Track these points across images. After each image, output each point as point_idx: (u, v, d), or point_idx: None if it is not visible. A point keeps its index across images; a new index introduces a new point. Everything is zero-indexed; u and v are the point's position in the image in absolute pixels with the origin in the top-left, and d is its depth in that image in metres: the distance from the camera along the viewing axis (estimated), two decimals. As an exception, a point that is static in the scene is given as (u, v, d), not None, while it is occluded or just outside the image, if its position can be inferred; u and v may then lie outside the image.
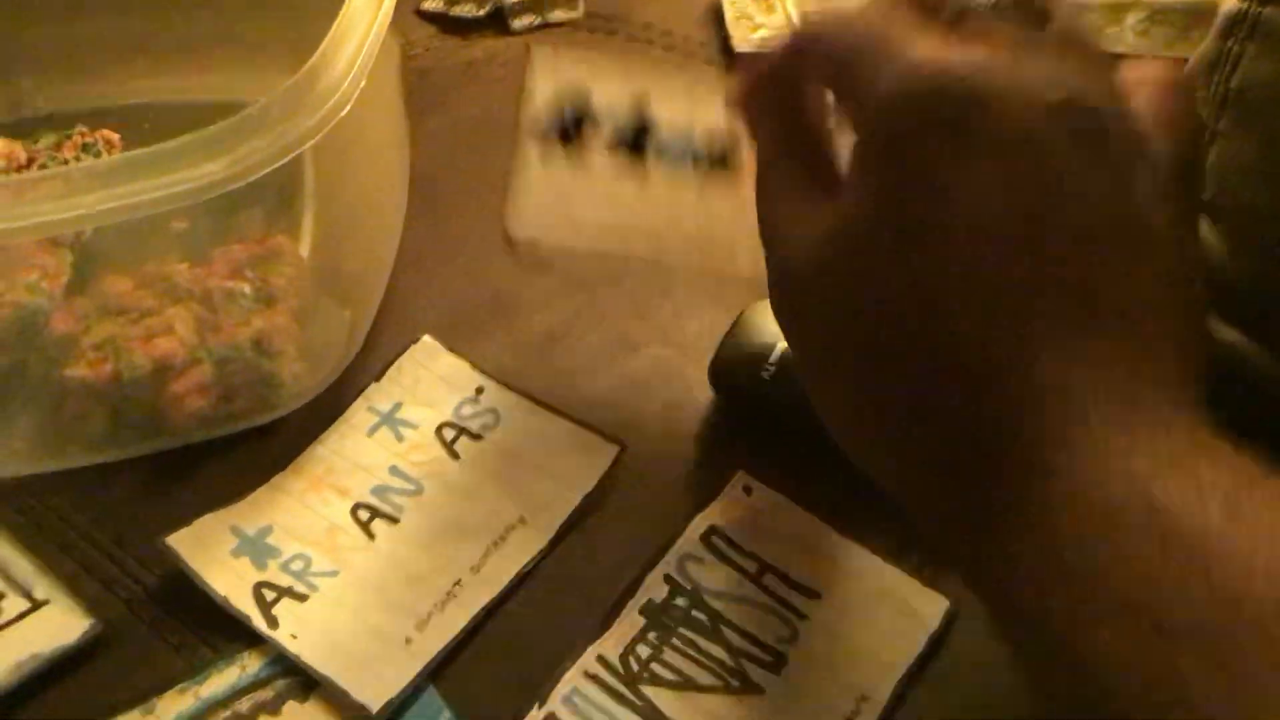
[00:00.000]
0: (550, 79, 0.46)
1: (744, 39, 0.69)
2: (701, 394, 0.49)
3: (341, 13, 0.42)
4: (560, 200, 0.48)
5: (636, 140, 0.46)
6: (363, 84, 0.42)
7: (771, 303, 0.37)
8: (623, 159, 0.46)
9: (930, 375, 0.32)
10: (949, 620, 0.42)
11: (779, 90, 0.39)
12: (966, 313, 0.31)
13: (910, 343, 0.32)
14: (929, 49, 0.33)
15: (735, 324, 0.49)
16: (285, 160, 0.39)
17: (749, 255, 0.47)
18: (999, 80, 0.32)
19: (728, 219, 0.47)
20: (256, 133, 0.39)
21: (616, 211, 0.48)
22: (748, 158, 0.45)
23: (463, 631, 0.42)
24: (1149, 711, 0.27)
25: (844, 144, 0.38)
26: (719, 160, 0.46)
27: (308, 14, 0.63)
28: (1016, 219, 0.31)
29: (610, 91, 0.46)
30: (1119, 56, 0.36)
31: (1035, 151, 0.31)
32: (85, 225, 0.38)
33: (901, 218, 0.32)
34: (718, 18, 0.70)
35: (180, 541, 0.43)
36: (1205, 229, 0.45)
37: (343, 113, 0.40)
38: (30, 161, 0.52)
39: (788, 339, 0.38)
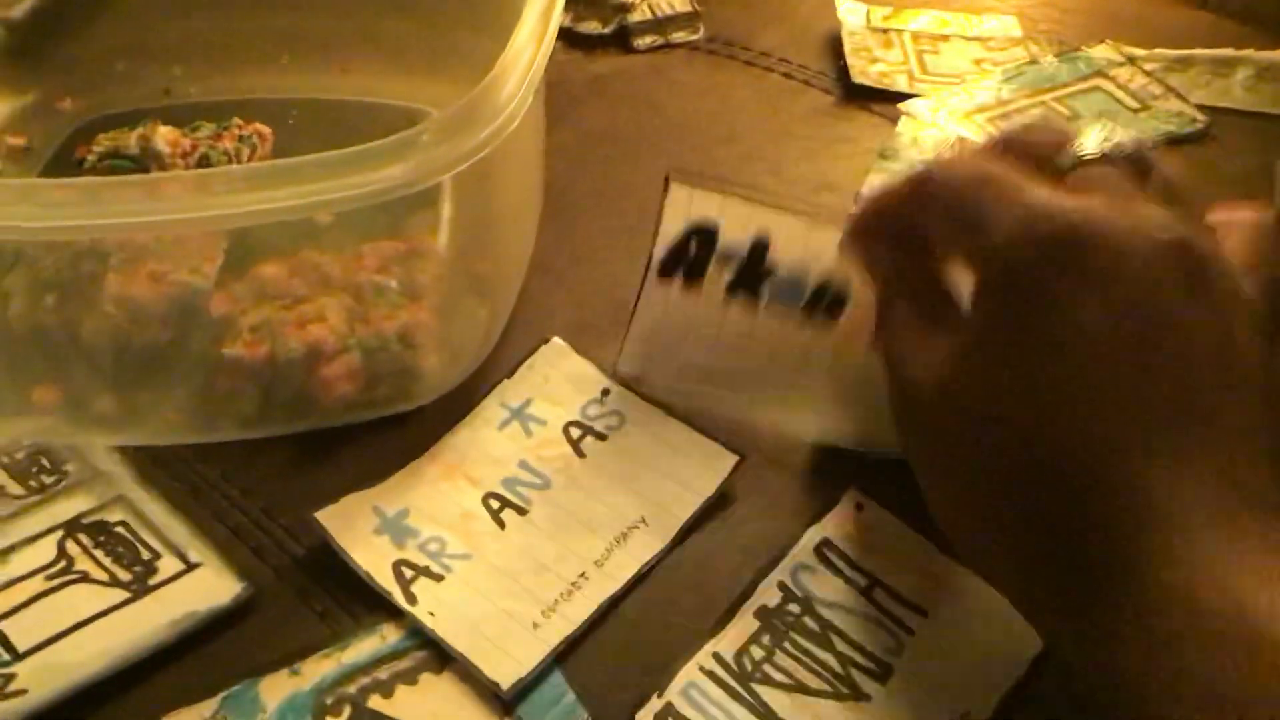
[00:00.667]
0: (683, 213, 0.49)
1: (862, 71, 0.71)
2: (817, 411, 0.52)
3: (518, 27, 0.45)
4: (671, 344, 0.51)
5: (754, 280, 0.49)
6: (530, 100, 0.44)
7: (897, 423, 0.42)
8: (739, 299, 0.49)
9: (1042, 484, 0.36)
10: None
11: (899, 227, 0.43)
12: (1078, 426, 0.35)
13: (1024, 453, 0.36)
14: (1046, 195, 0.37)
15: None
16: (460, 169, 0.42)
17: (823, 410, 0.50)
18: (1116, 221, 0.36)
19: (818, 376, 0.50)
20: (437, 142, 0.41)
21: (721, 357, 0.51)
22: (859, 303, 0.48)
23: (586, 621, 0.44)
24: None
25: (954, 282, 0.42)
26: (830, 306, 0.49)
27: (444, 19, 0.67)
28: (1128, 343, 0.35)
29: (735, 229, 0.49)
30: (1208, 203, 0.40)
31: (1147, 283, 0.35)
32: (278, 218, 0.41)
33: (1022, 341, 0.36)
34: (837, 48, 0.73)
35: (326, 517, 0.46)
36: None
37: (514, 125, 0.43)
38: (193, 149, 0.55)
39: (908, 455, 0.42)
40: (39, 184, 0.42)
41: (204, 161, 0.56)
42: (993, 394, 0.37)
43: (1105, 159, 0.39)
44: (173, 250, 0.50)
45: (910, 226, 0.42)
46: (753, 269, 0.49)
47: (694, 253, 0.49)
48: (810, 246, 0.48)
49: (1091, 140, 0.39)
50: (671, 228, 0.49)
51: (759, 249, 0.49)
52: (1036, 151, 0.40)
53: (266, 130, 0.59)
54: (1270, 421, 0.36)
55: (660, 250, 0.49)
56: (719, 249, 0.49)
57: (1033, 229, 0.36)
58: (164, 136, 0.55)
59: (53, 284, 0.50)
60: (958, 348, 0.39)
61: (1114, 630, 0.34)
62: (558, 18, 0.48)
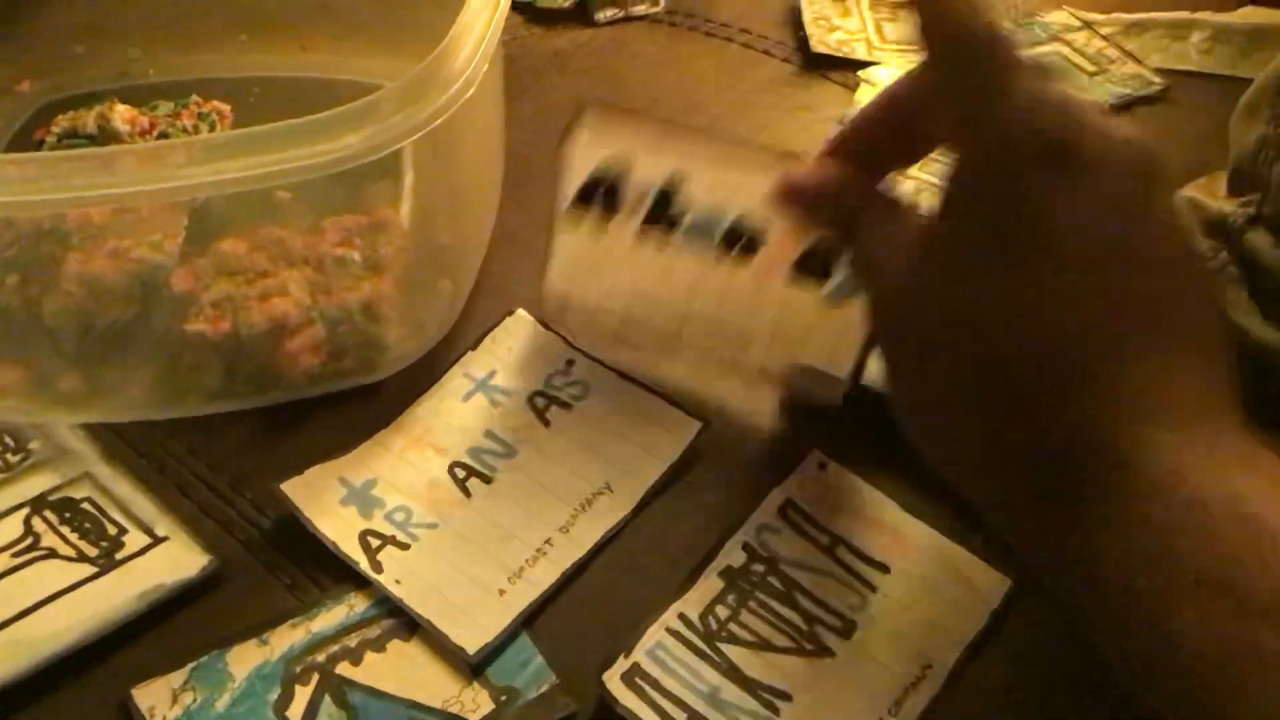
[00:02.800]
0: (596, 146, 0.49)
1: (821, 40, 0.71)
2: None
3: (468, -1, 0.45)
4: (592, 264, 0.51)
5: (668, 217, 0.49)
6: (485, 68, 0.44)
7: (873, 324, 0.42)
8: (653, 234, 0.49)
9: (1023, 380, 0.36)
10: (1010, 597, 0.45)
11: (897, 112, 0.43)
12: (1064, 321, 0.36)
13: (1006, 351, 0.36)
14: (1039, 85, 0.37)
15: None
16: (416, 137, 0.42)
17: (761, 347, 0.50)
18: (1100, 122, 0.37)
19: (744, 308, 0.50)
20: (392, 111, 0.42)
21: (643, 279, 0.51)
22: (774, 247, 0.48)
23: (552, 587, 0.45)
24: (1229, 680, 0.30)
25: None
26: (745, 246, 0.49)
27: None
28: (1115, 239, 0.36)
29: (650, 164, 0.49)
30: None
31: (1129, 185, 0.36)
32: (236, 189, 0.41)
33: (1006, 236, 0.36)
34: (796, 18, 0.73)
35: (292, 489, 0.46)
36: (1261, 239, 0.48)
37: (468, 94, 0.43)
38: (152, 127, 0.55)
39: (885, 354, 0.41)
40: None
41: (163, 139, 0.55)
42: (973, 282, 0.37)
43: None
44: (133, 227, 0.50)
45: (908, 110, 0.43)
46: (666, 205, 0.49)
47: (605, 189, 0.49)
48: (725, 184, 0.48)
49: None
50: (583, 163, 0.49)
51: (671, 187, 0.48)
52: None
53: (225, 108, 0.59)
54: (1222, 320, 0.38)
55: (572, 185, 0.49)
56: (631, 186, 0.49)
57: (1032, 118, 0.36)
58: (122, 115, 0.55)
59: (13, 264, 0.50)
60: (937, 237, 0.39)
61: (1104, 526, 0.34)
62: (510, -14, 0.48)
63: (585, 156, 0.49)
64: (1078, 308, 0.35)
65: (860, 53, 0.71)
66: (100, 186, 0.42)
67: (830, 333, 0.48)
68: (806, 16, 0.73)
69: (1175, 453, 0.33)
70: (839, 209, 0.43)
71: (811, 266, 0.48)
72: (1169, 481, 0.33)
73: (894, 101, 0.43)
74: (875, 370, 0.48)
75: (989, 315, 0.36)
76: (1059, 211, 0.36)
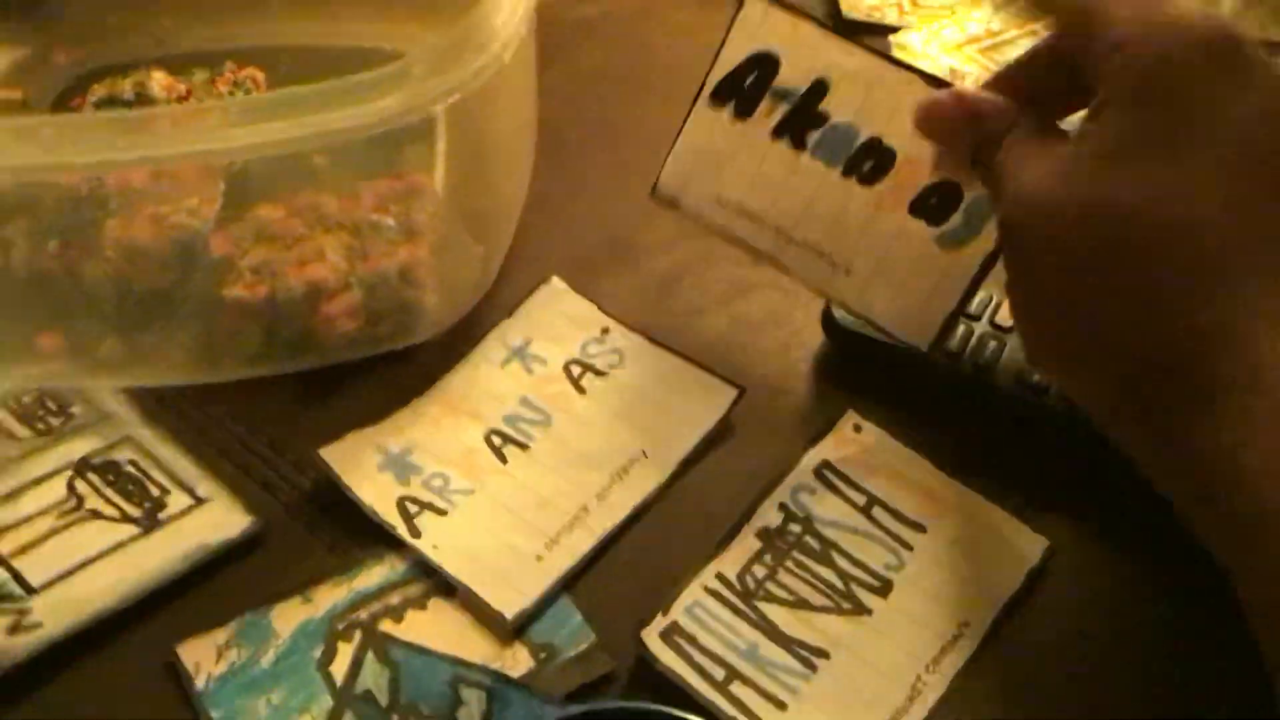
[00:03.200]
0: (750, 35, 0.48)
1: (853, 5, 0.71)
2: (813, 336, 0.52)
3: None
4: (717, 155, 0.50)
5: (804, 125, 0.48)
6: (523, 32, 0.44)
7: (1003, 240, 0.41)
8: (784, 146, 0.49)
9: (1161, 278, 0.36)
10: (1047, 558, 0.45)
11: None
12: (1213, 220, 0.35)
13: (1149, 241, 0.36)
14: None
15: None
16: (453, 100, 0.42)
17: (862, 276, 0.49)
18: (1247, 31, 0.37)
19: (856, 230, 0.48)
20: (428, 73, 0.42)
21: (766, 179, 0.50)
22: (900, 175, 0.47)
23: (589, 553, 0.45)
24: None
25: None
26: (874, 169, 0.48)
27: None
28: (1270, 146, 0.36)
29: (802, 64, 0.48)
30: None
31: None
32: (275, 151, 0.41)
33: (1172, 128, 0.36)
34: (828, -16, 0.73)
35: (331, 454, 0.47)
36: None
37: (507, 56, 0.43)
38: (189, 94, 0.55)
39: (1012, 264, 0.40)
40: (34, 123, 0.42)
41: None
42: (1127, 172, 0.36)
43: None
44: (171, 193, 0.51)
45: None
46: (805, 112, 0.48)
47: (749, 84, 0.48)
48: (871, 98, 0.47)
49: None
50: (734, 52, 0.48)
51: (816, 92, 0.48)
52: None
53: (259, 75, 0.59)
54: None
55: (718, 73, 0.49)
56: (776, 85, 0.48)
57: (1190, 28, 0.36)
58: (159, 81, 0.55)
59: (53, 230, 0.50)
60: (1089, 134, 0.38)
61: (1230, 430, 0.34)
62: (545, -50, 0.48)
63: (744, 39, 0.48)
64: (1233, 206, 0.35)
65: (892, 17, 0.71)
66: (137, 148, 0.42)
67: (934, 276, 0.47)
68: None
69: None
70: (985, 136, 0.42)
71: (932, 205, 0.47)
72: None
73: (1056, 45, 0.42)
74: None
75: (1140, 206, 0.36)
76: (1231, 108, 0.36)
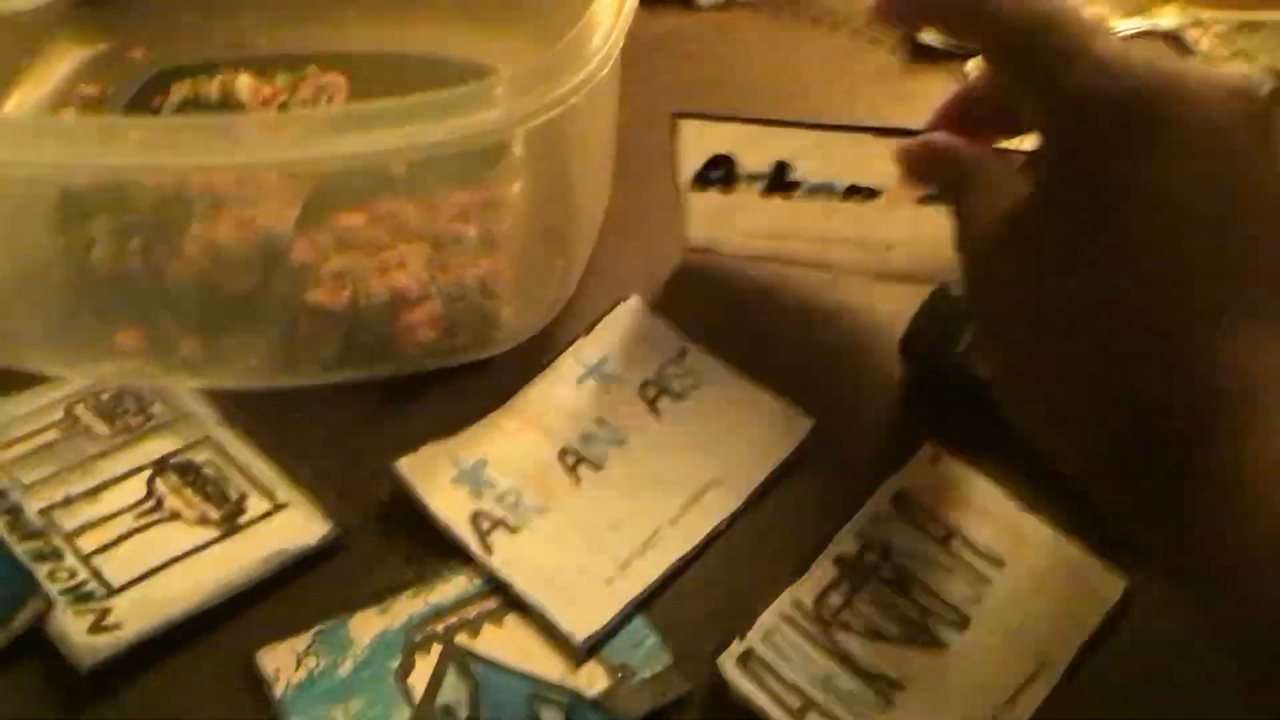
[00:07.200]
0: (697, 148, 0.51)
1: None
2: (890, 365, 0.52)
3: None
4: (725, 216, 0.53)
5: (785, 186, 0.51)
6: (619, 48, 0.44)
7: (964, 282, 0.41)
8: (778, 200, 0.51)
9: (1122, 357, 0.35)
10: (1127, 597, 0.44)
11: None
12: (1158, 288, 0.34)
13: (1103, 325, 0.35)
14: (1117, 47, 0.36)
15: (928, 300, 0.51)
16: (544, 120, 0.42)
17: (902, 251, 0.50)
18: (1189, 75, 0.35)
19: (877, 224, 0.51)
20: (522, 91, 0.42)
21: (776, 223, 0.52)
22: (896, 190, 0.48)
23: (660, 578, 0.45)
24: None
25: None
26: (866, 193, 0.50)
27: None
28: (1209, 201, 0.34)
29: (753, 156, 0.50)
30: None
31: (1224, 140, 0.34)
32: (372, 163, 0.41)
33: (1097, 204, 0.35)
34: (902, 8, 0.72)
35: (406, 466, 0.47)
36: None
37: (603, 73, 0.43)
38: (273, 96, 0.56)
39: (980, 329, 0.41)
40: (123, 124, 0.42)
41: (283, 110, 0.56)
42: (1070, 262, 0.35)
43: (1145, 35, 0.39)
44: (253, 196, 0.51)
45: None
46: (780, 182, 0.50)
47: (719, 176, 0.51)
48: (832, 160, 0.49)
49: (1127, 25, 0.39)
50: (691, 160, 0.51)
51: (782, 168, 0.50)
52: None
53: (340, 80, 0.60)
54: None
55: (685, 173, 0.52)
56: (742, 171, 0.51)
57: (1111, 81, 0.35)
58: (246, 85, 0.55)
59: (137, 229, 0.51)
60: (1025, 201, 0.37)
61: (1216, 501, 0.32)
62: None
63: (693, 151, 0.51)
64: (1174, 270, 0.34)
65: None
66: (226, 154, 0.42)
67: None
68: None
69: None
70: (953, 174, 0.42)
71: (938, 196, 0.47)
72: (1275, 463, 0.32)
73: (969, 97, 0.44)
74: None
75: (1076, 291, 0.35)
76: (1159, 169, 0.34)
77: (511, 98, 0.42)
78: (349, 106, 0.42)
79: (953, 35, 0.40)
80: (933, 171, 0.44)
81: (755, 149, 0.50)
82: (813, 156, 0.49)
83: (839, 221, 0.51)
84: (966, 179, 0.41)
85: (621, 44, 0.45)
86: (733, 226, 0.54)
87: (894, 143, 0.45)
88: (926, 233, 0.47)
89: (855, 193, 0.50)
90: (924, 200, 0.49)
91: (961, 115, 0.45)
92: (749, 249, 0.55)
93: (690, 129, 0.50)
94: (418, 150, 0.41)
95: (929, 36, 0.71)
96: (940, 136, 0.44)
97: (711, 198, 0.52)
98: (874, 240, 0.52)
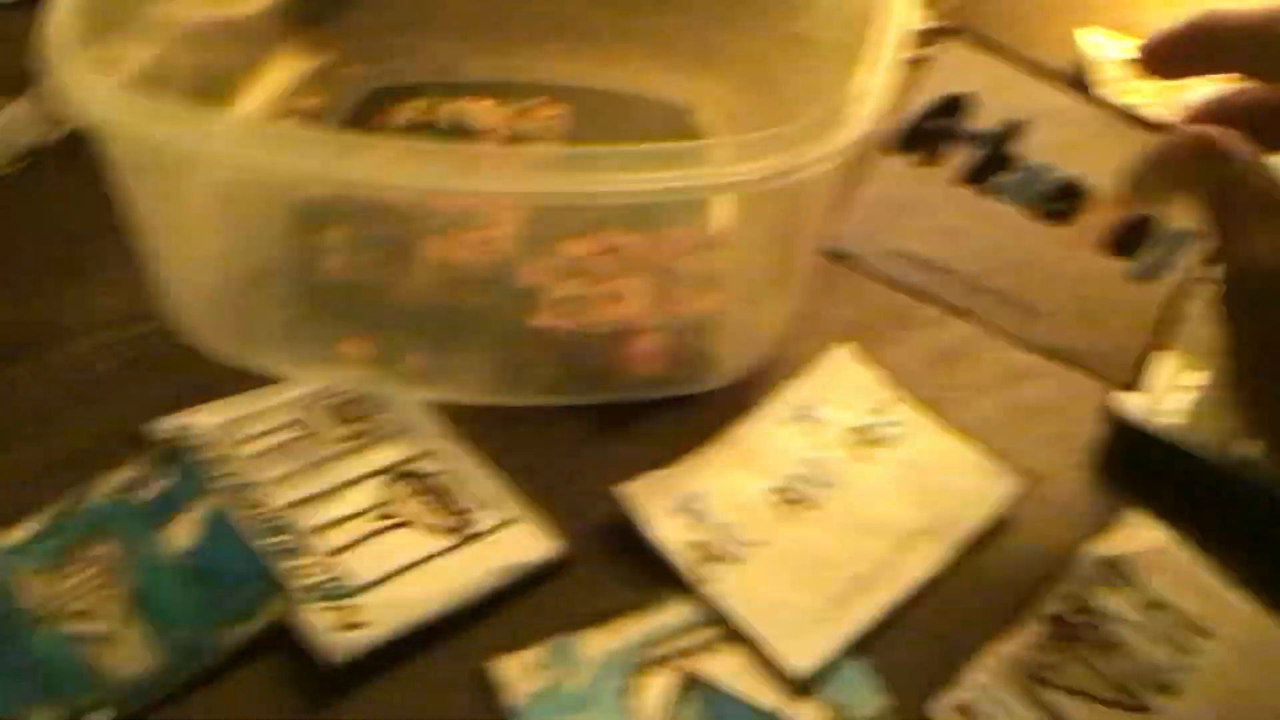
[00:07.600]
0: (944, 81, 0.46)
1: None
2: (1087, 426, 0.53)
3: (879, 36, 0.47)
4: (893, 225, 0.49)
5: (993, 166, 0.47)
6: (884, 105, 0.45)
7: (1228, 299, 0.39)
8: (970, 192, 0.47)
9: None
10: (1336, 680, 0.45)
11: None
12: None
13: None
14: None
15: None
16: (827, 167, 0.43)
17: (1049, 320, 0.47)
18: None
19: (1045, 273, 0.47)
20: (812, 138, 0.43)
21: (942, 249, 0.48)
22: (1091, 217, 0.46)
23: (873, 620, 0.46)
24: None
25: None
26: (1062, 210, 0.46)
27: (704, 15, 0.68)
28: None
29: (996, 109, 0.46)
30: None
31: None
32: (611, 202, 0.43)
33: None
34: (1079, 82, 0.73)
35: (627, 492, 0.48)
36: None
37: (871, 126, 0.44)
38: (506, 125, 0.57)
39: (1236, 349, 0.39)
40: (364, 142, 0.43)
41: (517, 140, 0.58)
42: None
43: None
44: (483, 218, 0.53)
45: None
46: (997, 155, 0.47)
47: (938, 130, 0.47)
48: (1070, 138, 0.46)
49: None
50: (925, 96, 0.47)
51: (1010, 135, 0.46)
52: None
53: (567, 111, 0.61)
54: None
55: (906, 119, 0.47)
56: (967, 128, 0.47)
57: None
58: (480, 113, 0.57)
59: (371, 241, 0.53)
60: None
61: None
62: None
63: (938, 83, 0.47)
64: None
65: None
66: (463, 181, 0.44)
67: (1127, 312, 0.46)
68: (1093, 78, 0.73)
69: None
70: (1214, 178, 0.40)
71: (1122, 240, 0.46)
72: None
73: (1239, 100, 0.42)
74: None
75: None
76: None
77: (799, 144, 0.43)
78: (584, 148, 0.43)
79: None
80: (1204, 169, 0.40)
81: (1003, 97, 0.46)
82: (1054, 126, 0.46)
83: (1009, 254, 0.47)
84: (1245, 202, 0.39)
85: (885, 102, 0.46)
86: (895, 232, 0.49)
87: (1153, 137, 0.42)
88: (1080, 305, 0.46)
89: (1062, 196, 0.46)
90: (1105, 247, 0.46)
91: (1225, 120, 0.41)
92: (892, 270, 0.49)
93: (954, 52, 0.46)
94: (652, 195, 0.43)
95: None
96: (1210, 131, 0.40)
97: (901, 174, 0.48)
98: (1029, 295, 0.47)
